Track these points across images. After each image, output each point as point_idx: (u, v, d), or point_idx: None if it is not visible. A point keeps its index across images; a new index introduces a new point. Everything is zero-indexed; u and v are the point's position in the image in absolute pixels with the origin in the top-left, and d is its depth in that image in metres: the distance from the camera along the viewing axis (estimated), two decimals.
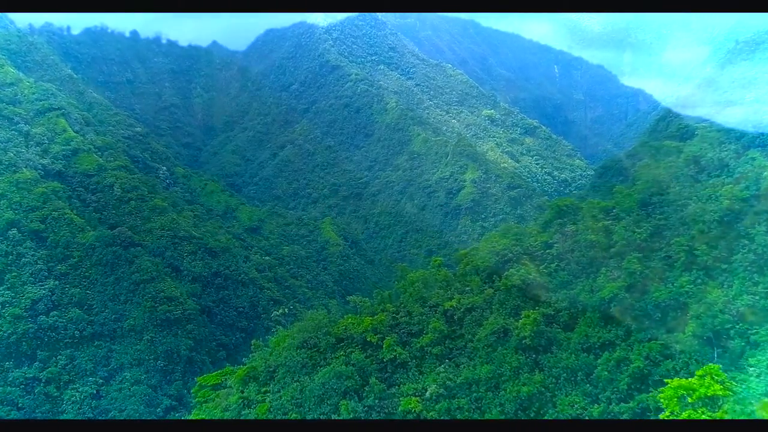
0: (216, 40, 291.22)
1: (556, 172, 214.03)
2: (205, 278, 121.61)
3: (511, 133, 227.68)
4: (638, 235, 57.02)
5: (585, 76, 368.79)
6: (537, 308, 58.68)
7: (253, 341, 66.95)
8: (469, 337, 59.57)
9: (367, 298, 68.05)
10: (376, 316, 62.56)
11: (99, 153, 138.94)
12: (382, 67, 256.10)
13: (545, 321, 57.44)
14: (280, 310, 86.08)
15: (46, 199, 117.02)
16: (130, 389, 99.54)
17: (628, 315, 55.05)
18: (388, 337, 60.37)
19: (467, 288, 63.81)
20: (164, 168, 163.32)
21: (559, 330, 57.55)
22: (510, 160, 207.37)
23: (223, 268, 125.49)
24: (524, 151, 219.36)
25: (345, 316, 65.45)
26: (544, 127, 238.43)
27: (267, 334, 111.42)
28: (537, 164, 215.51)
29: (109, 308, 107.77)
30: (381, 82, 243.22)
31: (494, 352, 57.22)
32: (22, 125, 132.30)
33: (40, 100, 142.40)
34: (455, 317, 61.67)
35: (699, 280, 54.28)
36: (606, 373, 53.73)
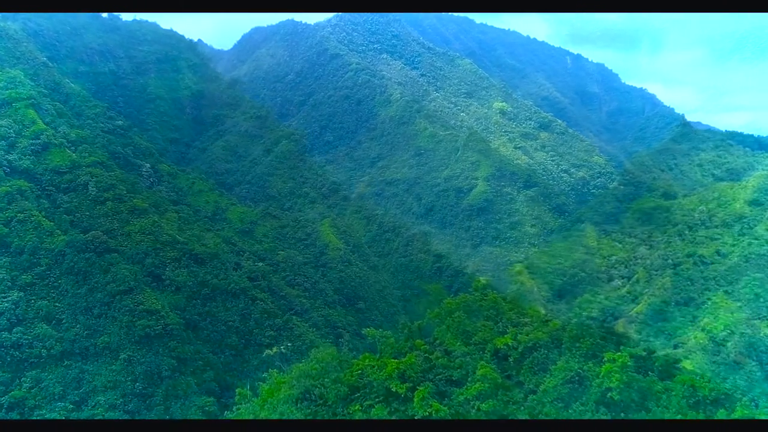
0: (201, 39, 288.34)
1: (573, 170, 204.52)
2: (190, 288, 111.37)
3: (524, 128, 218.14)
4: (762, 247, 42.38)
5: (590, 74, 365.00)
6: (623, 348, 44.26)
7: (237, 389, 52.01)
8: (531, 387, 45.06)
9: (389, 332, 52.62)
10: (403, 358, 47.59)
11: (72, 148, 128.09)
12: (384, 56, 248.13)
13: (636, 366, 42.90)
14: (275, 350, 71.17)
15: (11, 200, 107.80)
16: (104, 415, 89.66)
17: (751, 358, 40.52)
18: (420, 387, 45.56)
19: (525, 319, 49.16)
20: (147, 165, 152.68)
21: (655, 379, 43.18)
22: (524, 157, 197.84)
23: (210, 276, 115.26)
24: (538, 147, 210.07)
25: (361, 356, 50.34)
26: (559, 121, 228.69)
27: (260, 353, 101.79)
28: (552, 161, 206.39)
29: (81, 323, 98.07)
30: (384, 72, 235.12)
31: (567, 410, 42.95)
32: None
33: (7, 89, 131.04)
34: (511, 359, 46.94)
35: None
36: None
